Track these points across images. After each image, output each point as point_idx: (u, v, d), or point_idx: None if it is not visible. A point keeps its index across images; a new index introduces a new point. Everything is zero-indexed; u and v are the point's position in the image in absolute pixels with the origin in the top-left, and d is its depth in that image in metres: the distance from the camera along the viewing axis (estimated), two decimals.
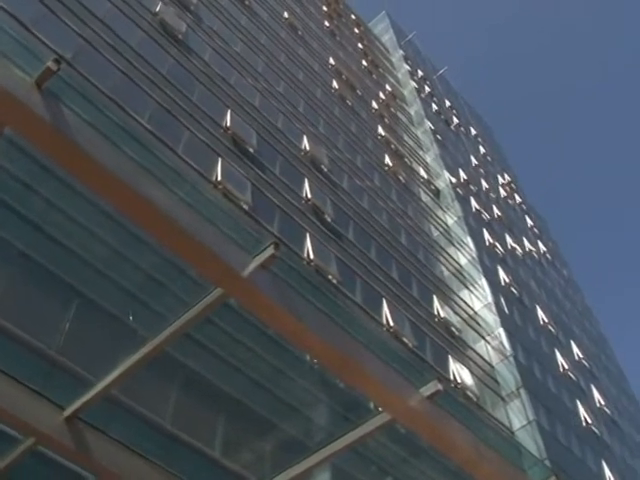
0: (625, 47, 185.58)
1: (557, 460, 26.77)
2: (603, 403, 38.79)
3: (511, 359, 30.20)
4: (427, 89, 58.31)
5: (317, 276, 20.45)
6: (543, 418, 28.34)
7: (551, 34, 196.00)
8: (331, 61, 41.42)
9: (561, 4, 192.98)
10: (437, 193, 42.04)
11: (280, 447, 11.96)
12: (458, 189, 43.39)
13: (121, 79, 18.71)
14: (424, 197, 39.55)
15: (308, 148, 27.30)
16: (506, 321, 33.01)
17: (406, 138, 45.37)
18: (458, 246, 37.23)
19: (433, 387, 7.93)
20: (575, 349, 42.04)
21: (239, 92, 25.46)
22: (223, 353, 11.71)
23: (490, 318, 32.51)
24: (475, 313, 32.37)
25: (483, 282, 34.82)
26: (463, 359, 26.82)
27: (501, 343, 31.06)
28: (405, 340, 22.94)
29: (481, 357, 29.25)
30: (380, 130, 39.84)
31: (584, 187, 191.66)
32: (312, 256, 20.76)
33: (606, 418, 38.03)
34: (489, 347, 30.62)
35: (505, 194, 58.06)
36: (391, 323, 22.63)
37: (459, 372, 24.88)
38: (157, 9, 23.43)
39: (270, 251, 7.05)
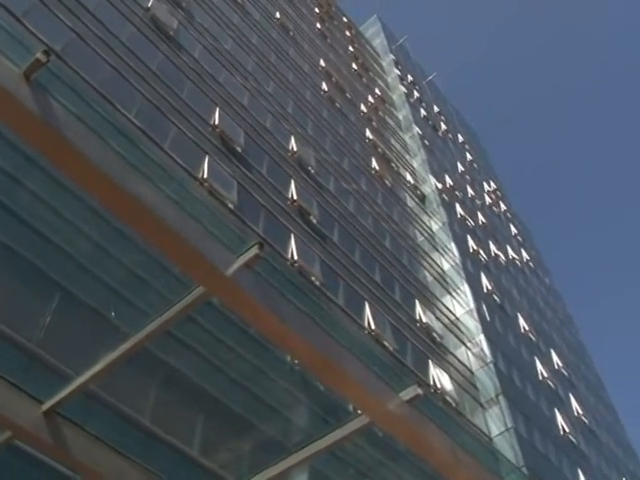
0: (611, 55, 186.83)
1: (534, 468, 26.89)
2: (581, 412, 38.99)
3: (491, 366, 30.31)
4: (416, 94, 58.46)
5: (300, 277, 20.45)
6: (521, 425, 28.46)
7: (543, 41, 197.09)
8: (321, 63, 41.44)
9: (553, 11, 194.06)
10: (423, 198, 42.15)
11: (258, 447, 11.95)
12: (444, 195, 43.53)
13: (110, 73, 18.64)
14: (410, 202, 39.63)
15: (295, 149, 27.30)
16: (487, 328, 33.13)
17: (394, 142, 45.45)
18: (442, 252, 37.34)
19: (413, 391, 7.94)
20: (555, 357, 42.25)
21: (228, 90, 25.43)
22: (204, 351, 11.70)
23: (471, 324, 32.62)
24: (457, 319, 32.46)
25: (465, 288, 34.94)
26: (443, 364, 26.89)
27: (482, 350, 31.17)
28: (386, 344, 22.97)
29: (461, 363, 29.33)
30: (368, 133, 39.91)
31: (568, 196, 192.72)
32: (296, 257, 20.75)
33: (584, 427, 38.24)
34: (469, 353, 30.72)
35: (490, 201, 58.29)
36: (373, 326, 22.66)
37: (439, 377, 24.94)
38: (149, 4, 23.38)
39: (254, 251, 7.03)
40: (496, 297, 38.46)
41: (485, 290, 37.43)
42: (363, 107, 43.44)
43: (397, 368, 21.15)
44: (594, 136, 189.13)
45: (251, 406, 12.24)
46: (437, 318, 30.00)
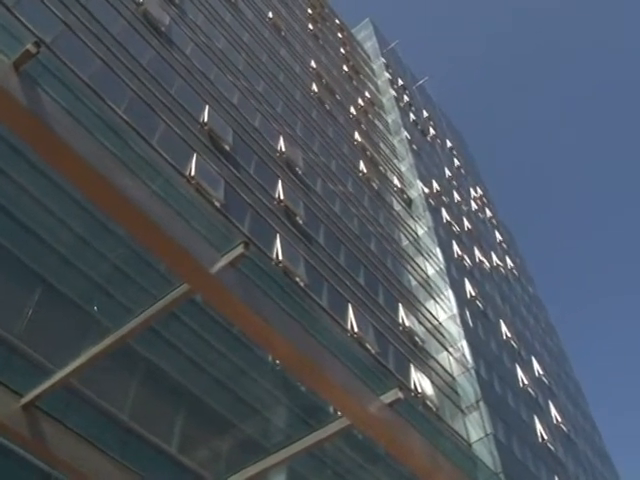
0: (601, 63, 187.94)
1: (512, 474, 26.99)
2: (560, 420, 39.18)
3: (472, 372, 30.39)
4: (406, 98, 58.57)
5: (284, 278, 20.43)
6: (500, 432, 28.55)
7: (536, 47, 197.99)
8: (312, 64, 41.45)
9: (546, 17, 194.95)
10: (409, 202, 42.23)
11: (238, 447, 11.94)
12: (430, 200, 43.64)
13: (100, 67, 18.55)
14: (396, 206, 39.69)
15: (284, 149, 27.28)
16: (470, 334, 33.22)
17: (382, 146, 45.52)
18: (427, 256, 37.42)
19: (394, 395, 7.96)
20: (536, 365, 42.42)
21: (218, 89, 25.38)
22: (186, 349, 11.67)
23: (454, 330, 32.70)
24: (439, 324, 32.54)
25: (449, 294, 35.02)
26: (425, 369, 26.94)
27: (463, 355, 31.25)
28: (368, 346, 22.99)
29: (443, 368, 29.40)
30: (357, 136, 39.94)
31: (555, 204, 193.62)
32: (281, 257, 20.73)
33: (562, 435, 38.42)
34: (451, 358, 30.79)
35: (476, 207, 58.50)
36: (355, 329, 22.67)
37: (420, 381, 24.98)
38: None
39: (240, 250, 7.03)
40: (479, 303, 38.57)
41: (469, 296, 37.53)
42: (353, 109, 43.49)
43: (379, 371, 21.16)
44: (581, 144, 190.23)
45: (231, 405, 12.22)
46: (420, 322, 30.04)
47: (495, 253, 53.53)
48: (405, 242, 36.70)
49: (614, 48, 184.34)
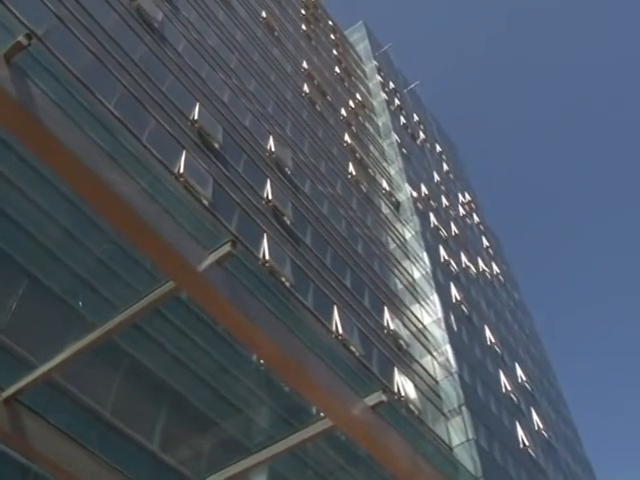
0: (590, 71, 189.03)
1: (492, 479, 27.06)
2: (541, 427, 39.32)
3: (456, 376, 30.46)
4: (397, 102, 58.65)
5: (270, 277, 20.41)
6: (482, 437, 28.63)
7: (529, 53, 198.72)
8: (304, 65, 41.45)
9: (539, 24, 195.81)
10: (397, 206, 42.30)
11: (219, 446, 11.91)
12: (418, 204, 43.72)
13: (91, 61, 18.49)
14: (384, 209, 39.74)
15: (273, 149, 27.27)
16: (454, 338, 33.30)
17: (372, 148, 45.58)
18: (413, 260, 37.49)
19: (377, 398, 7.97)
20: (519, 371, 42.56)
21: (210, 86, 25.35)
22: (170, 347, 11.64)
23: (438, 334, 32.77)
24: (424, 327, 32.60)
25: (435, 298, 35.09)
26: (408, 372, 26.98)
27: (447, 360, 31.32)
28: (353, 349, 23.00)
29: (426, 372, 29.46)
30: (347, 138, 39.97)
31: (543, 211, 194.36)
32: (267, 257, 20.72)
33: (543, 442, 38.56)
34: (435, 362, 30.86)
35: (464, 213, 58.65)
36: (340, 330, 22.68)
37: (403, 385, 25.01)
38: None
39: (227, 248, 7.03)
40: (464, 308, 38.67)
41: (454, 300, 37.63)
42: (343, 111, 43.51)
43: (362, 373, 21.18)
44: (571, 149, 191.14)
45: (214, 403, 12.20)
46: (405, 326, 30.09)
47: (481, 258, 53.68)
48: (392, 245, 36.76)
49: (601, 57, 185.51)
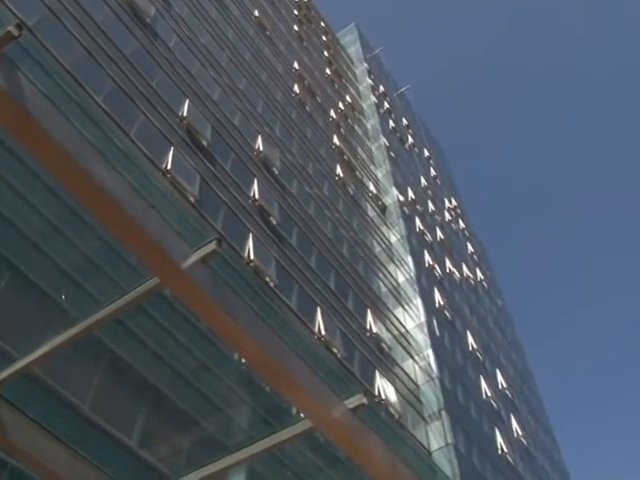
0: (582, 75, 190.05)
1: None
2: (520, 434, 39.46)
3: (436, 381, 30.53)
4: (386, 105, 58.76)
5: (255, 277, 20.39)
6: (461, 442, 28.70)
7: (521, 60, 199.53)
8: (295, 65, 41.45)
9: (532, 29, 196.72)
10: (383, 209, 42.36)
11: (198, 444, 11.88)
12: (405, 208, 43.80)
13: (82, 54, 18.41)
14: (370, 212, 39.79)
15: (262, 149, 27.25)
16: (436, 343, 33.38)
17: (360, 151, 45.62)
18: (398, 264, 37.54)
19: (358, 400, 7.96)
20: (500, 378, 42.70)
21: (199, 83, 25.30)
22: (152, 343, 11.60)
23: (420, 338, 32.83)
24: (406, 332, 32.65)
25: (418, 302, 35.16)
26: (390, 376, 27.02)
27: (429, 364, 31.39)
28: (335, 350, 23.01)
29: (407, 376, 29.50)
30: (335, 140, 39.99)
31: (529, 219, 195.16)
32: (252, 257, 20.69)
33: (522, 449, 38.70)
34: (416, 367, 30.91)
35: (450, 218, 58.83)
36: (323, 332, 22.69)
37: (384, 388, 25.04)
38: None
39: (212, 246, 7.00)
40: (447, 313, 38.77)
41: (437, 305, 37.71)
42: (333, 113, 43.54)
43: (344, 375, 21.20)
44: (565, 152, 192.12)
45: (194, 402, 12.17)
46: (387, 329, 30.12)
47: (466, 264, 53.85)
48: (377, 248, 36.80)
49: (592, 61, 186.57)
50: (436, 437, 27.71)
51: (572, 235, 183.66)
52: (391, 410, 24.68)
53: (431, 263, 41.61)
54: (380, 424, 10.75)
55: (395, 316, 32.55)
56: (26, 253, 10.78)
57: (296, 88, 38.42)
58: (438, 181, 63.37)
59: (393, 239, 39.98)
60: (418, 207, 47.80)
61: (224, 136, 24.82)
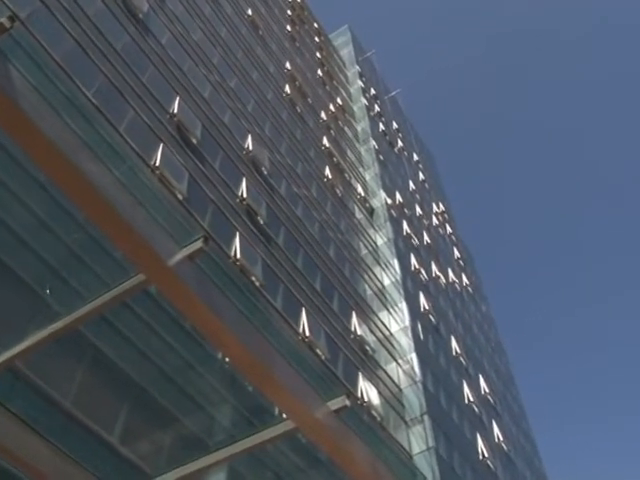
0: (571, 86, 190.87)
1: None
2: (502, 439, 39.56)
3: (419, 385, 30.57)
4: (377, 108, 58.83)
5: (241, 276, 20.35)
6: (442, 446, 28.75)
7: (512, 65, 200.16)
8: (287, 65, 41.44)
9: (525, 34, 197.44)
10: (371, 212, 42.40)
11: (180, 442, 11.85)
12: (392, 211, 43.85)
13: (73, 48, 18.33)
14: (358, 214, 39.82)
15: (251, 148, 27.22)
16: (420, 347, 33.43)
17: (349, 153, 45.65)
18: (384, 267, 37.58)
19: (341, 402, 7.97)
20: (482, 383, 42.81)
21: (191, 81, 25.25)
22: (136, 340, 11.55)
23: (405, 342, 32.87)
24: (391, 335, 32.68)
25: (403, 306, 35.20)
26: (373, 378, 27.03)
27: (412, 368, 31.43)
28: (319, 352, 23.00)
29: (391, 379, 29.53)
30: (325, 141, 40.00)
31: (515, 227, 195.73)
32: (239, 256, 20.67)
33: (502, 455, 38.80)
34: (400, 370, 30.94)
35: (437, 223, 58.94)
36: (307, 333, 22.68)
37: (367, 390, 25.06)
38: None
39: (199, 244, 7.00)
40: (432, 317, 38.84)
41: (422, 309, 37.78)
42: (323, 114, 43.56)
43: (327, 377, 21.19)
44: (559, 156, 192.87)
45: (177, 399, 12.13)
46: (372, 332, 30.15)
47: (452, 269, 53.97)
48: (364, 251, 36.83)
49: (584, 72, 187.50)
50: (417, 441, 27.75)
51: (561, 241, 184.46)
52: (373, 413, 24.70)
53: (417, 267, 41.67)
54: (362, 426, 10.75)
55: (380, 319, 32.58)
56: (11, 246, 10.72)
57: (287, 88, 38.41)
58: (426, 185, 63.49)
59: (380, 242, 40.02)
60: (406, 211, 47.87)
61: (214, 134, 24.78)
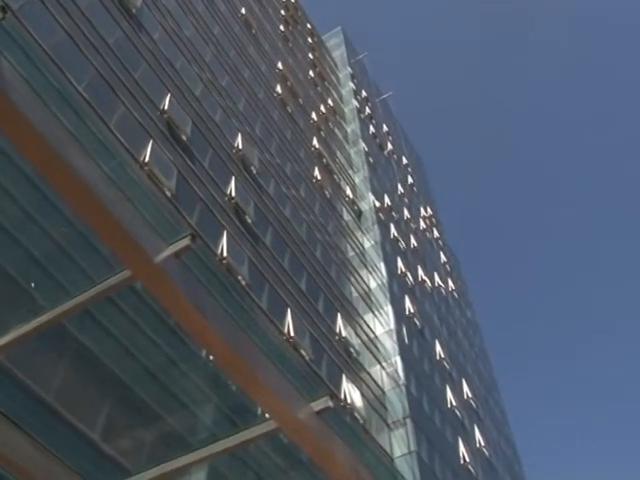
0: (568, 87, 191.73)
1: None
2: (483, 444, 39.68)
3: (403, 388, 30.61)
4: (368, 111, 58.88)
5: (227, 275, 20.32)
6: (424, 450, 28.80)
7: (504, 73, 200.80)
8: (279, 65, 41.41)
9: (519, 40, 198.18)
10: (359, 214, 42.43)
11: (161, 440, 11.81)
12: (380, 214, 43.90)
13: (65, 40, 18.25)
14: (346, 216, 39.83)
15: (241, 147, 27.18)
16: (404, 350, 33.48)
17: (339, 155, 45.66)
18: (371, 269, 37.61)
19: (324, 403, 7.97)
20: (465, 388, 42.92)
21: (182, 78, 25.19)
22: (120, 336, 11.51)
23: (389, 345, 32.90)
24: (375, 337, 32.71)
25: (388, 309, 35.24)
26: (356, 380, 27.05)
27: (396, 371, 31.47)
28: (303, 352, 22.99)
29: (374, 381, 29.55)
30: (315, 142, 39.99)
31: (504, 232, 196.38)
32: (225, 254, 20.63)
33: (483, 459, 38.91)
34: (384, 373, 30.97)
35: (425, 227, 59.04)
36: (292, 333, 22.66)
37: (350, 392, 25.07)
38: None
39: (186, 242, 6.98)
40: (417, 321, 38.90)
41: (407, 313, 37.83)
42: (314, 115, 43.55)
43: (311, 378, 21.18)
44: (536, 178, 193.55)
45: (160, 397, 12.09)
46: (356, 334, 30.16)
47: (438, 274, 54.07)
48: (351, 253, 36.85)
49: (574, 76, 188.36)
50: (399, 444, 27.78)
51: (548, 247, 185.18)
52: (356, 415, 24.71)
53: (403, 270, 41.73)
54: (344, 428, 10.75)
55: (365, 321, 32.60)
56: None
57: (279, 88, 38.39)
58: (415, 189, 63.60)
59: (367, 244, 40.04)
60: (394, 214, 47.93)
61: (204, 132, 24.73)
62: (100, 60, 19.59)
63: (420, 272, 46.89)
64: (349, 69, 62.44)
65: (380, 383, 30.14)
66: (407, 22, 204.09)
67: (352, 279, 34.38)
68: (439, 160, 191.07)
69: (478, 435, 39.83)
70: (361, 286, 35.08)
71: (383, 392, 29.92)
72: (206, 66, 28.72)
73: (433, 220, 65.01)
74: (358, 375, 27.87)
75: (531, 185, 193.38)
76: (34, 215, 10.51)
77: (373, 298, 35.53)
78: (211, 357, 9.48)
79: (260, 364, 7.69)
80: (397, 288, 38.66)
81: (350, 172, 46.15)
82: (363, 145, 50.11)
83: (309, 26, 60.37)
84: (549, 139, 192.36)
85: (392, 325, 34.10)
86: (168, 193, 19.29)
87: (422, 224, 58.40)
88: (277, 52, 43.24)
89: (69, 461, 8.49)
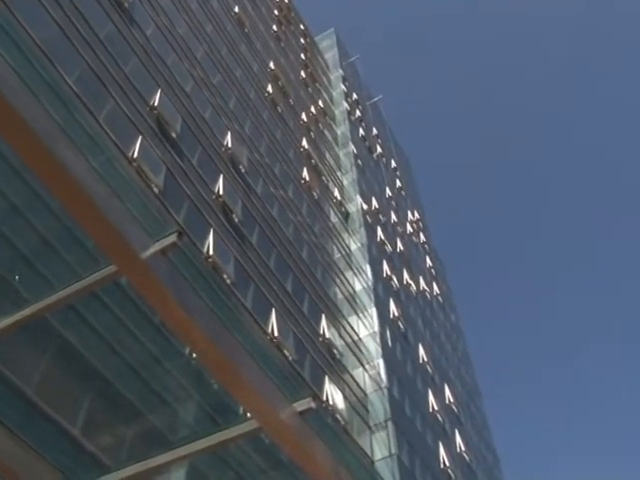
0: (563, 92, 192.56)
1: None
2: (463, 449, 39.76)
3: (385, 391, 30.64)
4: (358, 113, 58.95)
5: (212, 273, 20.27)
6: (405, 453, 28.83)
7: (499, 77, 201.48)
8: (271, 65, 41.40)
9: (515, 45, 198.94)
10: (346, 216, 42.46)
11: (142, 437, 11.76)
12: (367, 216, 43.95)
13: (56, 33, 18.16)
14: (333, 218, 39.85)
15: (230, 145, 27.15)
16: (387, 353, 33.51)
17: (328, 156, 45.68)
18: (356, 272, 37.64)
19: (306, 404, 7.97)
20: (447, 392, 43.01)
21: (173, 74, 25.13)
22: (103, 331, 11.45)
23: (372, 347, 32.93)
24: (359, 339, 32.73)
25: (373, 311, 35.27)
26: (339, 382, 27.05)
27: (378, 373, 31.50)
28: (286, 353, 22.97)
29: (357, 384, 29.57)
30: (304, 143, 39.99)
31: (489, 238, 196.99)
32: (211, 252, 20.59)
33: (463, 464, 38.99)
34: (366, 375, 30.99)
35: (411, 230, 59.15)
36: (276, 333, 22.64)
37: (333, 394, 25.06)
38: None
39: (172, 239, 6.97)
40: (401, 324, 38.95)
41: (392, 316, 37.88)
42: (304, 116, 43.55)
43: (294, 378, 21.16)
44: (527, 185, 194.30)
45: (141, 393, 12.04)
46: (340, 336, 30.17)
47: (423, 278, 54.17)
48: (337, 255, 36.86)
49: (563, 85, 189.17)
50: (380, 447, 27.81)
51: (534, 254, 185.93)
52: (338, 416, 24.71)
53: (389, 273, 41.80)
54: (326, 429, 10.74)
55: (349, 323, 32.62)
56: None
57: (270, 88, 38.37)
58: (403, 193, 63.72)
59: (353, 247, 40.07)
60: (381, 217, 48.00)
61: (193, 129, 24.69)
62: (91, 54, 19.51)
63: (405, 276, 46.97)
64: (341, 71, 62.47)
65: (362, 385, 30.15)
66: (399, 25, 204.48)
67: (337, 281, 34.39)
68: (428, 164, 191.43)
69: (459, 440, 39.91)
70: (346, 288, 35.10)
71: (365, 394, 29.94)
72: (198, 63, 28.67)
73: (420, 224, 65.15)
74: (341, 377, 27.87)
75: (521, 189, 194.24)
76: (19, 207, 10.46)
77: (358, 300, 35.55)
78: (194, 355, 9.45)
79: (243, 363, 7.68)
80: (382, 291, 38.70)
81: (338, 174, 46.18)
82: (352, 147, 50.15)
83: (302, 27, 60.39)
84: (542, 144, 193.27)
85: (376, 328, 34.14)
86: (156, 189, 19.23)
87: (409, 228, 58.52)
88: (269, 52, 43.22)
89: (49, 456, 8.46)
